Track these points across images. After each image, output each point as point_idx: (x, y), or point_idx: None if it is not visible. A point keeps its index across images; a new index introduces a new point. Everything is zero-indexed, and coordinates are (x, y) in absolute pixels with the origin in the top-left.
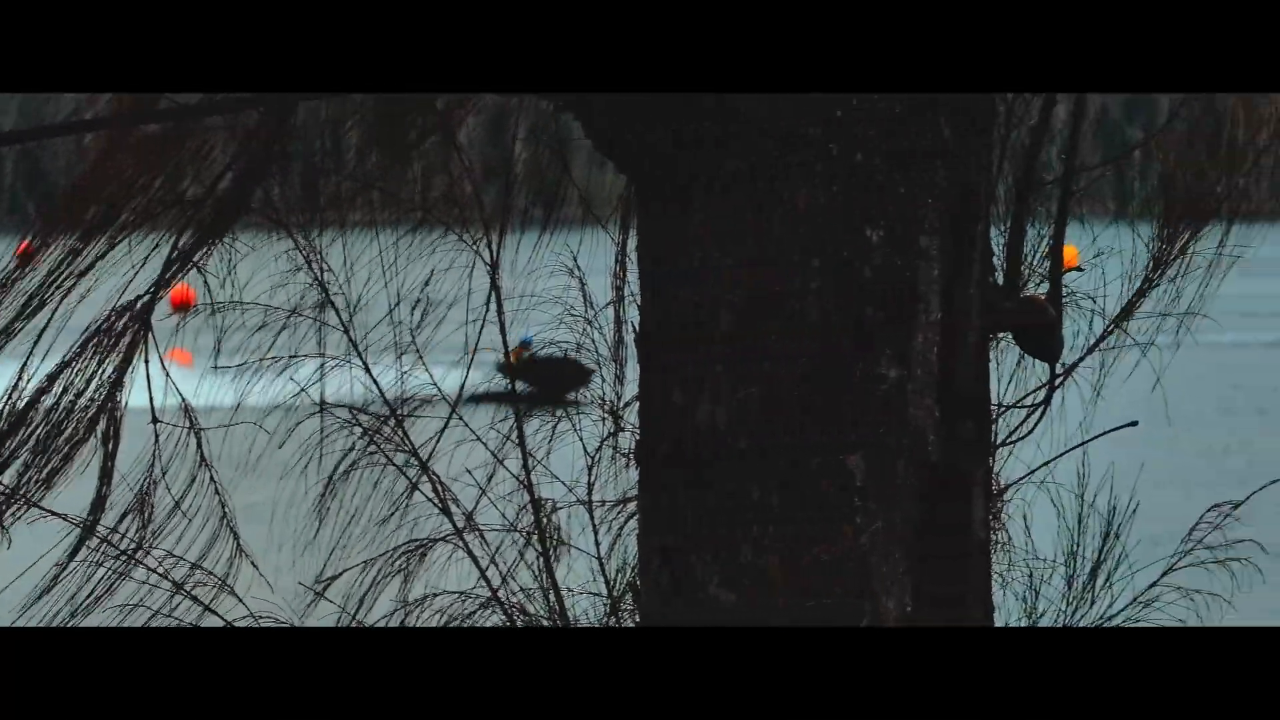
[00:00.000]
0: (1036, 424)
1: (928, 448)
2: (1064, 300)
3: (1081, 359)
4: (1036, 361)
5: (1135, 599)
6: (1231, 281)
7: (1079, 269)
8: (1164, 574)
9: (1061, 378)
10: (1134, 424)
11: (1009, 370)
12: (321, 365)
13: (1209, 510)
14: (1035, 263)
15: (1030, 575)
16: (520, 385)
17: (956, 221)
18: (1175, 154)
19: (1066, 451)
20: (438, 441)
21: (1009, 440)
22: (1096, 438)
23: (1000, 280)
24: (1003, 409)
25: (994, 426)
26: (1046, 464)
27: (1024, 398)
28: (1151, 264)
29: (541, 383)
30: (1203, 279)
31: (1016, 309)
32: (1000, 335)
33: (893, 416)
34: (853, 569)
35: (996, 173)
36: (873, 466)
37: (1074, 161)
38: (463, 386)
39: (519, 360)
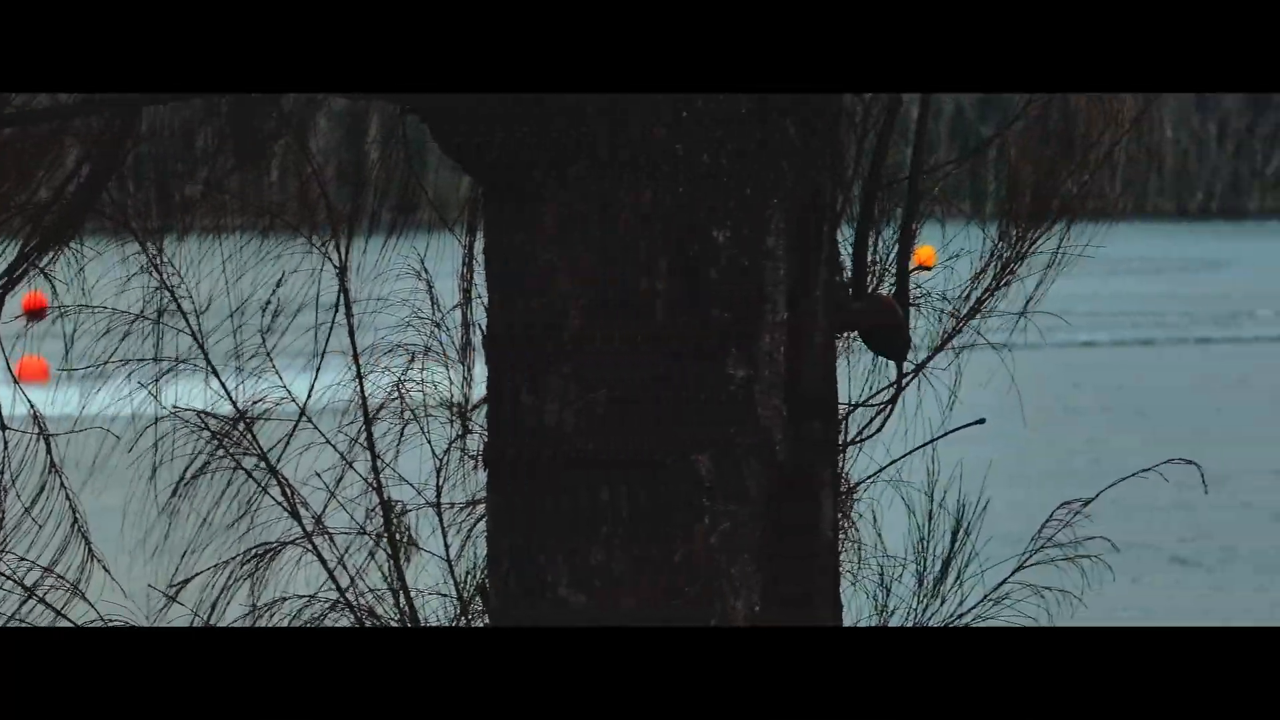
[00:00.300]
0: (884, 423)
1: (775, 448)
2: (912, 300)
3: (930, 358)
4: (886, 360)
5: (986, 596)
6: (1080, 280)
7: (927, 268)
8: (1014, 571)
9: (910, 377)
10: (981, 421)
11: (858, 370)
12: (170, 369)
13: (1059, 507)
14: (885, 262)
15: (881, 573)
16: None
17: (803, 222)
18: (1021, 153)
19: (914, 450)
20: (286, 445)
21: (857, 439)
22: (944, 436)
23: (848, 280)
24: (851, 408)
25: (842, 426)
26: (894, 462)
27: (872, 397)
28: (999, 263)
29: None
30: (1049, 277)
31: (864, 309)
32: (848, 335)
33: (740, 417)
34: (701, 570)
35: (850, 173)
36: (720, 467)
37: (920, 161)
38: (311, 389)
39: None
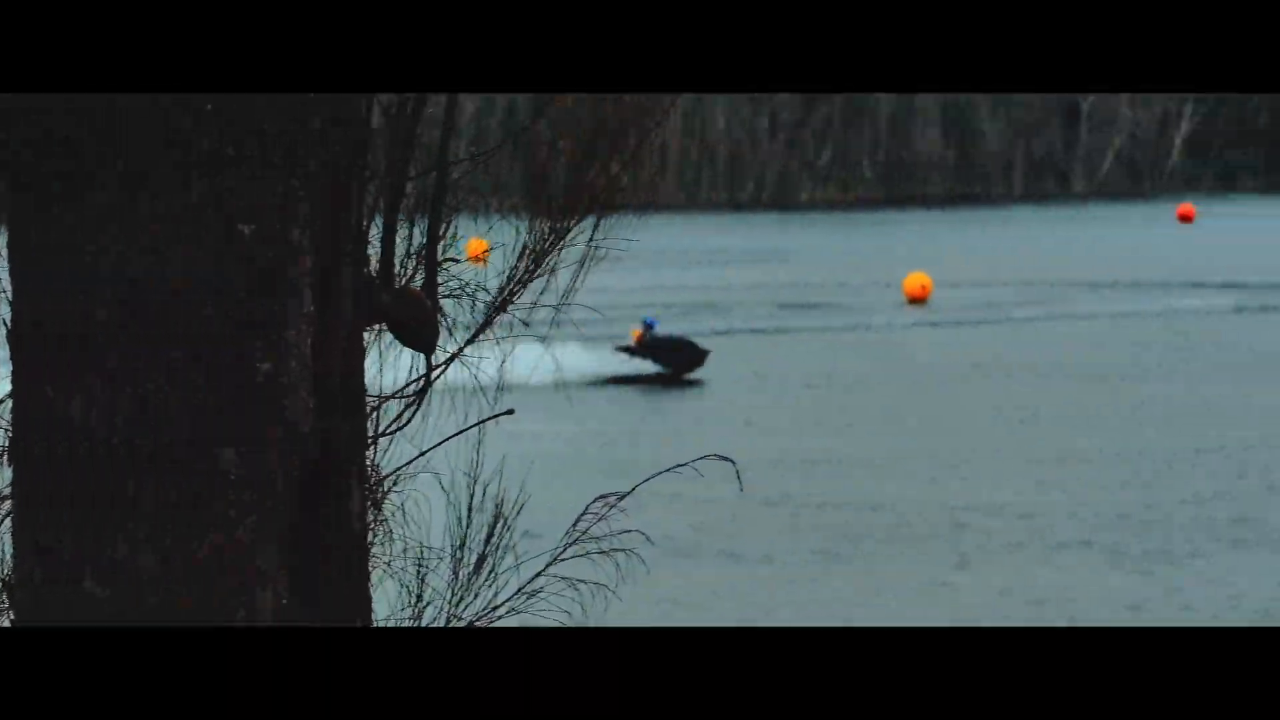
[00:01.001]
0: (414, 415)
1: (303, 440)
2: (444, 292)
3: (461, 350)
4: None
5: (520, 589)
6: (634, 273)
7: (456, 260)
8: (549, 565)
9: (440, 369)
10: (510, 412)
11: (389, 361)
12: None
13: (594, 501)
14: (416, 254)
15: (418, 566)
16: (650, 365)
17: (330, 215)
18: (554, 145)
19: (443, 441)
20: None
21: (387, 431)
22: (472, 427)
23: (376, 273)
24: (381, 400)
25: (373, 418)
26: (423, 454)
27: (403, 389)
28: (529, 256)
29: (666, 362)
30: (579, 271)
31: (392, 301)
32: (377, 327)
33: (267, 410)
34: (228, 564)
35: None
36: (247, 461)
37: (447, 153)
38: None
39: (640, 341)
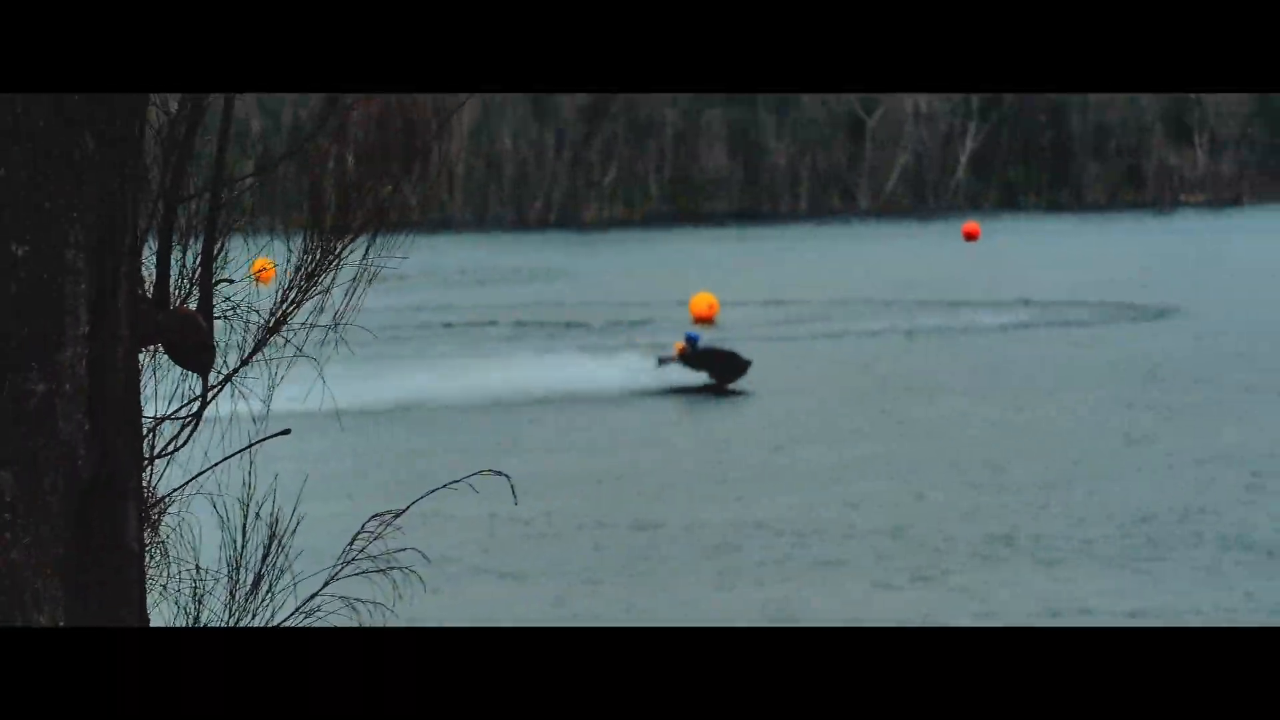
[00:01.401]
0: (190, 435)
1: (78, 461)
2: (219, 313)
3: (236, 370)
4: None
5: (297, 609)
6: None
7: (231, 280)
8: (326, 584)
9: (216, 389)
10: (286, 432)
11: (166, 382)
12: None
13: (370, 519)
14: (192, 275)
15: (194, 587)
16: (695, 375)
17: (104, 235)
18: (331, 164)
19: (220, 462)
20: None
21: (164, 453)
22: (249, 447)
23: (151, 293)
24: (157, 421)
25: (149, 438)
26: (200, 475)
27: (179, 409)
28: (303, 275)
29: (709, 373)
30: (352, 289)
31: (167, 322)
32: (153, 348)
33: (42, 431)
34: (4, 585)
35: (155, 186)
36: (22, 482)
37: (221, 172)
38: None
39: (682, 353)
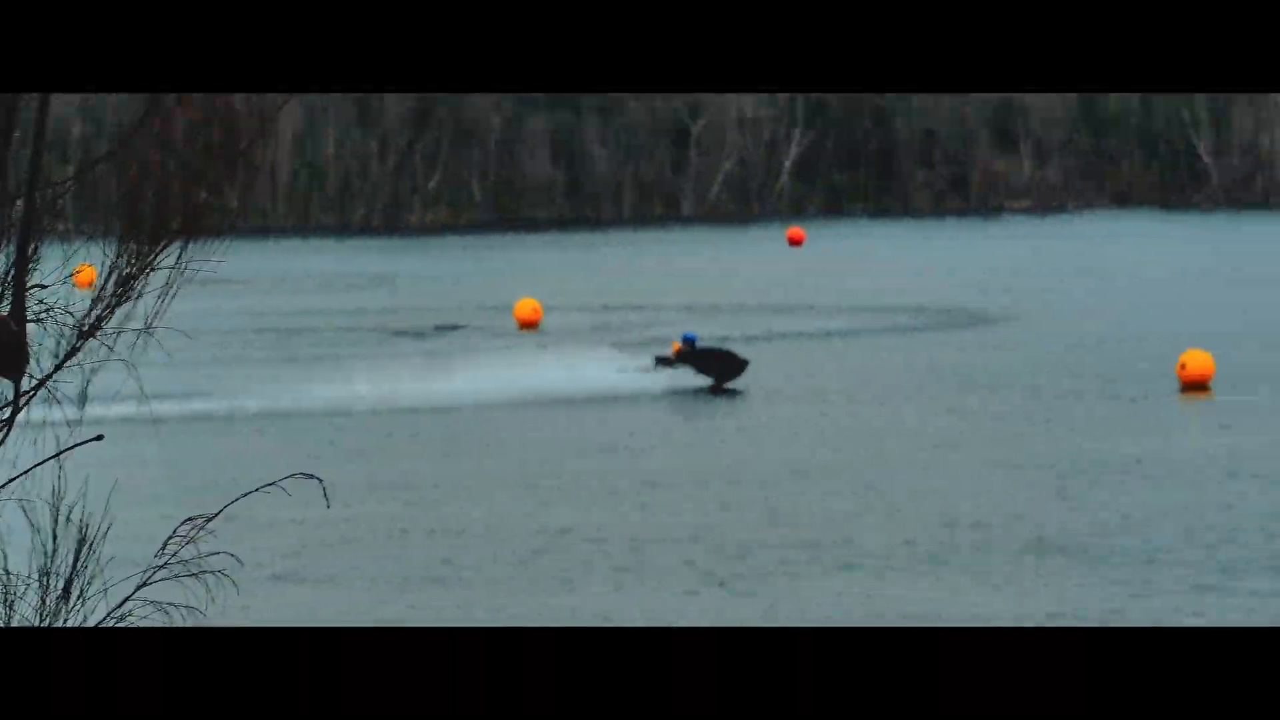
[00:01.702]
0: (3, 440)
1: None
2: (32, 316)
3: (50, 375)
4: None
5: (110, 613)
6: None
7: (44, 285)
8: (138, 588)
9: (29, 394)
10: (100, 438)
11: None
12: None
13: (182, 524)
14: (4, 278)
15: (3, 593)
16: (691, 375)
17: None
18: (144, 168)
19: (33, 468)
20: None
21: None
22: (61, 453)
23: None
24: None
25: None
26: (11, 480)
27: None
28: (118, 279)
29: (706, 372)
30: (164, 293)
31: None
32: None
33: None
34: None
35: None
36: None
37: (36, 175)
38: None
39: (679, 353)
